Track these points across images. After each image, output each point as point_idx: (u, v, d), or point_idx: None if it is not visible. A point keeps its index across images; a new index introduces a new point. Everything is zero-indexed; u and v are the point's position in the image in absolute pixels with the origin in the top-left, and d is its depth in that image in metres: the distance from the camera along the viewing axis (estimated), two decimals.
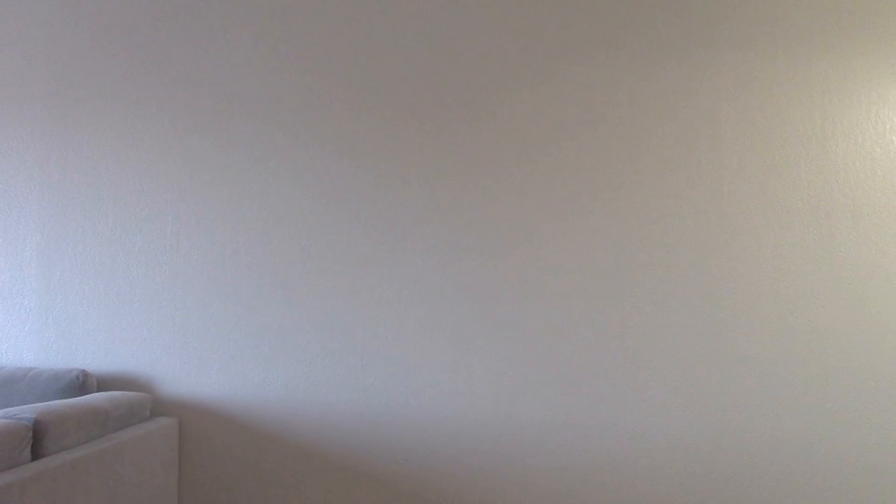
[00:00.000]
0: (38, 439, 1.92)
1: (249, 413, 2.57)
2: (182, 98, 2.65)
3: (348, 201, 2.56)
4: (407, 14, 2.56)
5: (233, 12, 2.64)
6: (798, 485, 2.32)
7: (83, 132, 2.70)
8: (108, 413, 2.24)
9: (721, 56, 2.43)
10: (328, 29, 2.59)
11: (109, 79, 2.69)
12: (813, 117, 2.38)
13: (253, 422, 2.57)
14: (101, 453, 2.07)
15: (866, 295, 2.33)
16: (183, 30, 2.66)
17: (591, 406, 2.42)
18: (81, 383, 2.44)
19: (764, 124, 2.40)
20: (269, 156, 2.60)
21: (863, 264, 2.34)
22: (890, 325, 2.32)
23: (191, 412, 2.60)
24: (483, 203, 2.50)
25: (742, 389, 2.36)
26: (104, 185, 2.68)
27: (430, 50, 2.55)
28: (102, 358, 2.64)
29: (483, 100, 2.52)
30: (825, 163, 2.37)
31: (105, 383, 2.62)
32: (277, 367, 2.57)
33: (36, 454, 1.92)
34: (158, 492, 2.40)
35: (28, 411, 1.95)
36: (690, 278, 2.39)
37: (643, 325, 2.41)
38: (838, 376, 2.33)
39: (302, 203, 2.58)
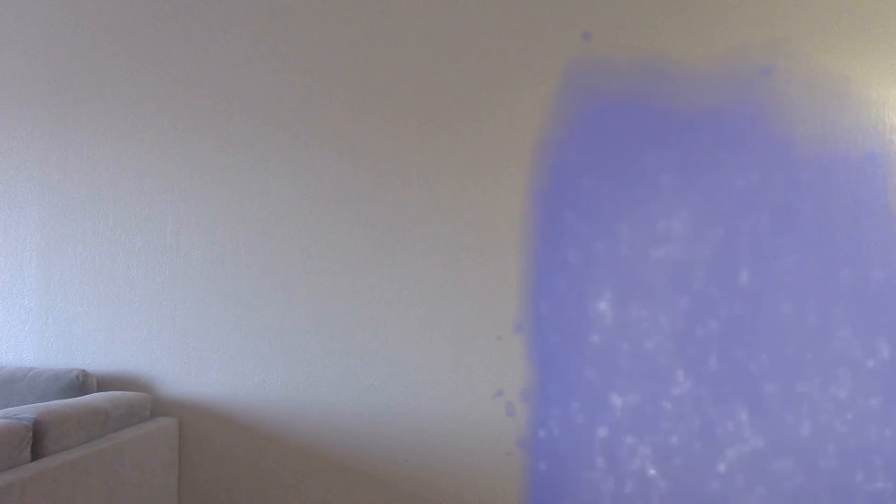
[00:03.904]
0: (38, 439, 1.92)
1: (249, 413, 2.57)
2: (182, 98, 2.65)
3: (348, 201, 2.56)
4: (407, 14, 2.56)
5: (233, 12, 2.64)
6: None
7: (83, 132, 2.69)
8: (108, 413, 2.24)
9: (721, 55, 2.43)
10: (328, 29, 2.59)
11: (109, 79, 2.69)
12: (813, 117, 2.38)
13: (253, 422, 2.57)
14: (101, 453, 2.07)
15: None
16: (183, 30, 2.66)
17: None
18: (81, 383, 2.44)
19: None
20: (269, 156, 2.60)
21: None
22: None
23: (191, 412, 2.60)
24: (483, 203, 2.50)
25: None
26: (104, 185, 2.68)
27: (430, 50, 2.55)
28: (102, 358, 2.64)
29: (483, 100, 2.52)
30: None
31: (105, 383, 2.62)
32: (277, 367, 2.57)
33: (36, 454, 1.92)
34: (158, 492, 2.40)
35: (28, 411, 1.95)
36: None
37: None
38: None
39: (302, 203, 2.58)
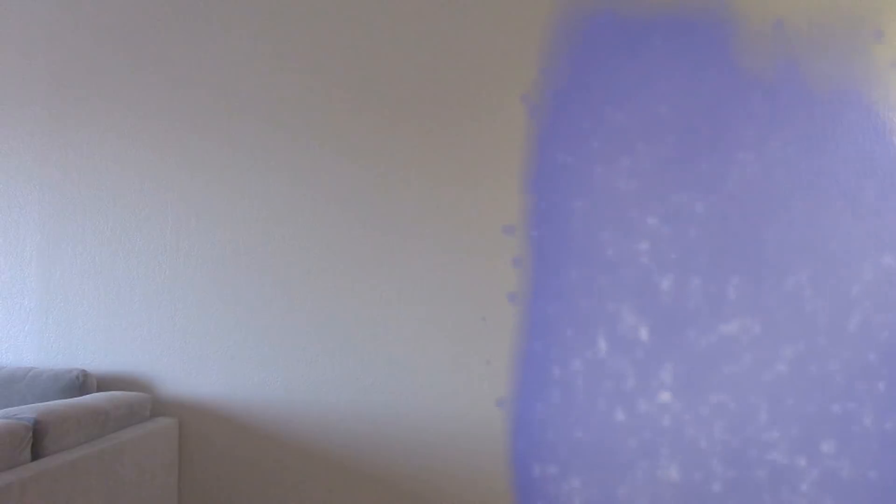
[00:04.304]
0: (38, 439, 1.92)
1: (249, 413, 2.57)
2: (182, 98, 2.65)
3: (348, 201, 2.56)
4: (407, 14, 2.56)
5: (233, 12, 2.64)
6: None
7: (83, 132, 2.69)
8: (108, 413, 2.24)
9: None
10: (328, 29, 2.59)
11: (109, 79, 2.69)
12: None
13: (253, 422, 2.57)
14: (101, 453, 2.08)
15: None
16: (183, 30, 2.66)
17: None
18: (81, 383, 2.45)
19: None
20: (269, 156, 2.60)
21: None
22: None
23: (191, 412, 2.60)
24: (483, 203, 2.50)
25: None
26: (104, 185, 2.68)
27: (430, 50, 2.55)
28: (102, 358, 2.64)
29: (483, 100, 2.52)
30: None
31: (105, 383, 2.62)
32: (277, 367, 2.57)
33: (36, 454, 1.92)
34: (158, 492, 2.40)
35: (28, 411, 1.96)
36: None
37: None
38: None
39: (302, 203, 2.58)
